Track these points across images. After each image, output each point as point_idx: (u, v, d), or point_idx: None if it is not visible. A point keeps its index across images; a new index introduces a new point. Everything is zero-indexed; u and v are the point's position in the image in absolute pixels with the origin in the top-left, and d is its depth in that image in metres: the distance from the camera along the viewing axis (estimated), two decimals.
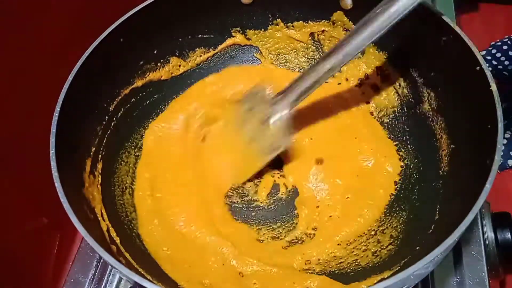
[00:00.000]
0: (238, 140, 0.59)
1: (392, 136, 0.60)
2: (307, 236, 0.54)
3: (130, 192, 0.57)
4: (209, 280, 0.49)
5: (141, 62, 0.60)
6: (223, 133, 0.61)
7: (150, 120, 0.63)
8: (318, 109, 0.62)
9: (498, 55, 0.80)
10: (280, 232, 0.55)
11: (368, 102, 0.63)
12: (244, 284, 0.50)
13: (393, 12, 0.46)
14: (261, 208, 0.58)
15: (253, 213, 0.58)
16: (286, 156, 0.60)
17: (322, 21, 0.63)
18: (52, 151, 0.44)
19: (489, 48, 0.82)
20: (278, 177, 0.60)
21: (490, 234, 0.53)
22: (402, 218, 0.52)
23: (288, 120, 0.55)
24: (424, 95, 0.56)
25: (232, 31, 0.66)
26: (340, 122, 0.62)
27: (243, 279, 0.50)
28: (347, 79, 0.64)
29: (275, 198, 0.59)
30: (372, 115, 0.62)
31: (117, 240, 0.48)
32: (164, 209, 0.56)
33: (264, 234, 0.55)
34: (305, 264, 0.51)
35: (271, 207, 0.58)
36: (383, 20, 0.47)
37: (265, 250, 0.53)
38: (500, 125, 0.41)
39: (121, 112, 0.58)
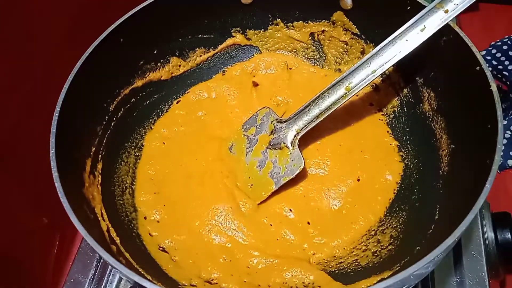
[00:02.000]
0: (246, 164, 0.58)
1: (392, 136, 0.60)
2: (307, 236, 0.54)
3: (130, 192, 0.57)
4: (214, 275, 0.50)
5: (141, 62, 0.60)
6: (231, 156, 0.60)
7: (150, 120, 0.63)
8: None
9: (498, 55, 0.80)
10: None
11: (371, 104, 0.63)
12: (249, 277, 0.50)
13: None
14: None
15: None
16: None
17: (322, 21, 0.63)
18: (52, 151, 0.44)
19: (489, 48, 0.82)
20: None
21: (490, 234, 0.53)
22: (402, 218, 0.52)
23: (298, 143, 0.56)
24: (424, 95, 0.56)
25: (232, 31, 0.66)
26: (339, 122, 0.62)
27: (247, 270, 0.51)
28: None
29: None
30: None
31: (117, 240, 0.48)
32: (165, 208, 0.56)
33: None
34: None
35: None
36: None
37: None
38: (500, 125, 0.42)
39: (121, 112, 0.59)
